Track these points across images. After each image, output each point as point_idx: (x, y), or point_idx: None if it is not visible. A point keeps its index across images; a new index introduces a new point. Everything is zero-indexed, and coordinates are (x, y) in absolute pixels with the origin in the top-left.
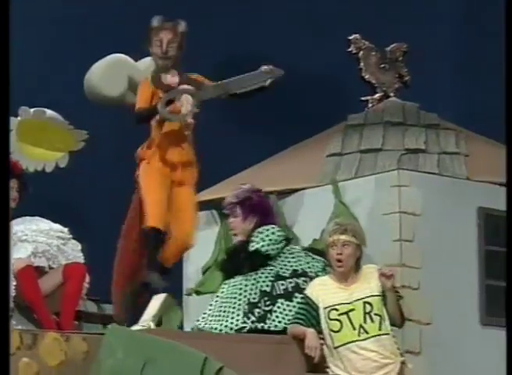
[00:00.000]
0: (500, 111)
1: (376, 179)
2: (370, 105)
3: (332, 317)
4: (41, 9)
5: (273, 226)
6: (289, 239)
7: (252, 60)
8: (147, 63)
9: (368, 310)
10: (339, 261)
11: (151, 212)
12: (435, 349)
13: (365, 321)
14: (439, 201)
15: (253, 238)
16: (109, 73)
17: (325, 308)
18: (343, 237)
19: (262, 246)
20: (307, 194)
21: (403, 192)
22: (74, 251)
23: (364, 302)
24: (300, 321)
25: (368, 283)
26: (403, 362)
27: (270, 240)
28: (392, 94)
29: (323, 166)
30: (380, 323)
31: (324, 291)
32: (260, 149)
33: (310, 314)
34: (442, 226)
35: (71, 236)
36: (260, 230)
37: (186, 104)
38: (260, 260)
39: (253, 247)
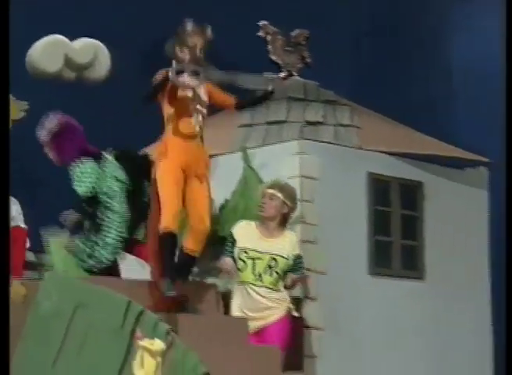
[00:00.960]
0: (388, 89)
1: (281, 147)
2: (276, 82)
3: (241, 257)
4: None
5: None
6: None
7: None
8: (81, 43)
9: (271, 265)
10: (262, 207)
11: (166, 215)
12: (330, 295)
13: (265, 272)
14: (334, 166)
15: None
16: (48, 51)
17: (239, 247)
18: (270, 190)
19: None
20: (220, 159)
21: (303, 159)
22: (18, 214)
23: (272, 257)
24: (226, 252)
25: (283, 245)
26: (289, 308)
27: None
28: (295, 74)
29: (235, 135)
30: (276, 281)
31: (245, 233)
32: None
33: (230, 247)
34: (337, 189)
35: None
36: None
37: (192, 78)
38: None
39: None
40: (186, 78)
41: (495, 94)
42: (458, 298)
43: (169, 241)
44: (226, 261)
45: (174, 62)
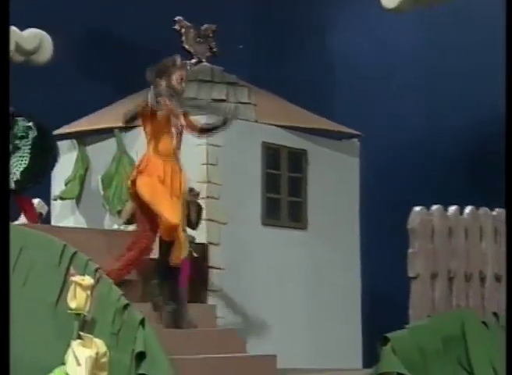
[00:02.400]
0: (280, 73)
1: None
2: (188, 67)
3: None
4: None
5: None
6: None
7: (95, 33)
8: (28, 32)
9: None
10: None
11: (169, 214)
12: (230, 241)
13: None
14: (235, 136)
15: None
16: None
17: None
18: None
19: None
20: (142, 129)
21: None
22: None
23: None
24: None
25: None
26: (190, 251)
27: None
28: (204, 60)
29: None
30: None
31: None
32: (108, 96)
33: None
34: (237, 155)
35: None
36: None
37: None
38: None
39: None
40: (165, 101)
41: (368, 79)
42: (333, 244)
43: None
44: None
45: (152, 87)
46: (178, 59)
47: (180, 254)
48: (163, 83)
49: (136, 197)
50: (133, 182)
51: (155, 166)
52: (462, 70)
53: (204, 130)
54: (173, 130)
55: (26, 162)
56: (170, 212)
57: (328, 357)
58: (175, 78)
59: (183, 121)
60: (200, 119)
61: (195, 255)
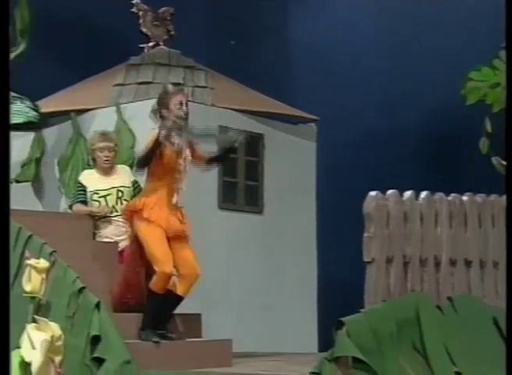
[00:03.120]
0: (237, 57)
1: (148, 103)
2: (145, 50)
3: (93, 198)
4: None
5: None
6: None
7: (51, 16)
8: None
9: (119, 196)
10: (108, 160)
11: (161, 260)
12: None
13: (117, 203)
14: (191, 120)
15: None
16: None
17: (90, 191)
18: (108, 143)
19: None
20: (98, 112)
21: None
22: None
23: (118, 190)
24: (80, 198)
25: (122, 177)
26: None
27: None
28: (161, 44)
29: (110, 92)
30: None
31: (90, 179)
32: (67, 79)
33: (83, 194)
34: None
35: None
36: None
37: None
38: None
39: None
40: (175, 138)
41: (327, 64)
42: (289, 228)
43: (169, 300)
44: (94, 208)
45: (161, 123)
46: (169, 87)
47: (188, 286)
48: (166, 115)
49: (132, 228)
50: (130, 213)
51: (156, 212)
52: (422, 57)
53: (212, 160)
54: (179, 167)
55: None
56: (165, 260)
57: (284, 341)
58: (173, 106)
59: (189, 155)
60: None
61: None
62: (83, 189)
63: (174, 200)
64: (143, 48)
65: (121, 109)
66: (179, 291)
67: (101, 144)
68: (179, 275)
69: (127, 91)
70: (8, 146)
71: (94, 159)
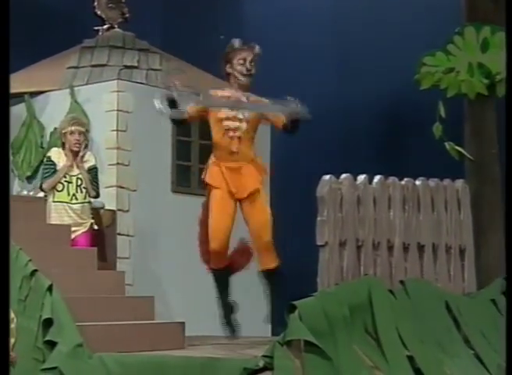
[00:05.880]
0: (191, 40)
1: (102, 86)
2: (100, 33)
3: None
4: None
5: None
6: None
7: None
8: None
9: (79, 184)
10: (77, 144)
11: (211, 236)
12: (139, 208)
13: (77, 191)
14: (146, 103)
15: None
16: None
17: (58, 169)
18: (80, 127)
19: None
20: (51, 94)
21: (120, 96)
22: None
23: (77, 178)
24: (50, 174)
25: (87, 164)
26: (91, 223)
27: None
28: (116, 26)
29: (64, 75)
30: (85, 194)
31: (60, 158)
32: (18, 61)
33: (53, 169)
34: (147, 121)
35: None
36: None
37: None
38: None
39: None
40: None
41: (279, 47)
42: None
43: (219, 276)
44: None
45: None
46: (236, 42)
47: (265, 257)
48: (230, 71)
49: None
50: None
51: (219, 176)
52: (377, 40)
53: (288, 126)
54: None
55: None
56: (213, 235)
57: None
58: (236, 61)
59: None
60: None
61: (95, 227)
62: (52, 165)
63: (234, 149)
64: (97, 30)
65: (75, 92)
66: (260, 265)
67: (72, 128)
68: (253, 245)
69: (81, 74)
70: (7, 147)
71: (63, 143)
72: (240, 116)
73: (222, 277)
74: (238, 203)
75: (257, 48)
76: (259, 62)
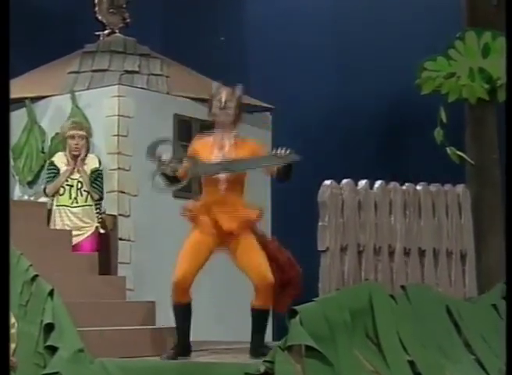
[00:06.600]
0: (192, 46)
1: (103, 91)
2: (101, 38)
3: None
4: None
5: None
6: None
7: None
8: None
9: (79, 187)
10: (77, 148)
11: (179, 271)
12: (140, 213)
13: (77, 194)
14: (147, 108)
15: None
16: None
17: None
18: (80, 132)
19: None
20: (52, 99)
21: (121, 101)
22: None
23: (78, 181)
24: (53, 179)
25: (89, 167)
26: (97, 226)
27: None
28: (117, 31)
29: (65, 80)
30: (87, 197)
31: (63, 163)
32: (19, 66)
33: (55, 175)
34: (149, 126)
35: None
36: None
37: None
38: None
39: None
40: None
41: (280, 51)
42: None
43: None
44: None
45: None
46: (214, 85)
47: (263, 297)
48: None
49: None
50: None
51: (205, 220)
52: (379, 45)
53: (280, 177)
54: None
55: None
56: (178, 268)
57: (238, 330)
58: (214, 103)
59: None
60: None
61: (102, 230)
62: (55, 169)
63: (221, 187)
64: (98, 35)
65: (76, 97)
66: (255, 303)
67: (72, 132)
68: (252, 283)
69: (82, 79)
70: (8, 152)
71: (64, 147)
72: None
73: (186, 313)
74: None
75: (238, 88)
76: (259, 62)
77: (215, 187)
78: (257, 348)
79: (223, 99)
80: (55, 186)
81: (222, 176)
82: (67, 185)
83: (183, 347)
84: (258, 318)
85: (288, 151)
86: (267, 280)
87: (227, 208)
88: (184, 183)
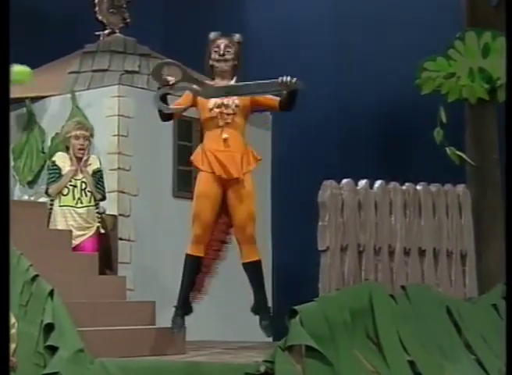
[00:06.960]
0: (191, 45)
1: (103, 91)
2: (101, 38)
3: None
4: None
5: None
6: None
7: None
8: None
9: (83, 187)
10: (82, 149)
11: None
12: (140, 212)
13: (81, 195)
14: (147, 108)
15: None
16: None
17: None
18: (85, 132)
19: None
20: (53, 99)
21: (121, 101)
22: None
23: (82, 182)
24: (55, 179)
25: (91, 168)
26: (98, 227)
27: None
28: (117, 31)
29: (65, 80)
30: (90, 198)
31: (65, 163)
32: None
33: (58, 174)
34: (148, 126)
35: None
36: None
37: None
38: None
39: None
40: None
41: (280, 52)
42: None
43: (191, 262)
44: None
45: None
46: (211, 34)
47: (245, 250)
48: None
49: None
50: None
51: (208, 162)
52: (379, 45)
53: (284, 104)
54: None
55: None
56: (200, 221)
57: (238, 330)
58: (212, 52)
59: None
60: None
61: (102, 231)
62: (57, 169)
63: (224, 136)
64: (98, 35)
65: (76, 97)
66: (242, 259)
67: (77, 132)
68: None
69: (82, 79)
70: (8, 152)
71: (67, 147)
72: (229, 103)
73: (194, 266)
74: (224, 192)
75: (236, 37)
76: (259, 62)
77: (215, 131)
78: (260, 303)
79: (222, 48)
80: (59, 186)
81: (225, 120)
82: (70, 185)
83: (184, 301)
84: (251, 272)
85: (293, 80)
86: (246, 234)
87: (231, 153)
88: (183, 109)
